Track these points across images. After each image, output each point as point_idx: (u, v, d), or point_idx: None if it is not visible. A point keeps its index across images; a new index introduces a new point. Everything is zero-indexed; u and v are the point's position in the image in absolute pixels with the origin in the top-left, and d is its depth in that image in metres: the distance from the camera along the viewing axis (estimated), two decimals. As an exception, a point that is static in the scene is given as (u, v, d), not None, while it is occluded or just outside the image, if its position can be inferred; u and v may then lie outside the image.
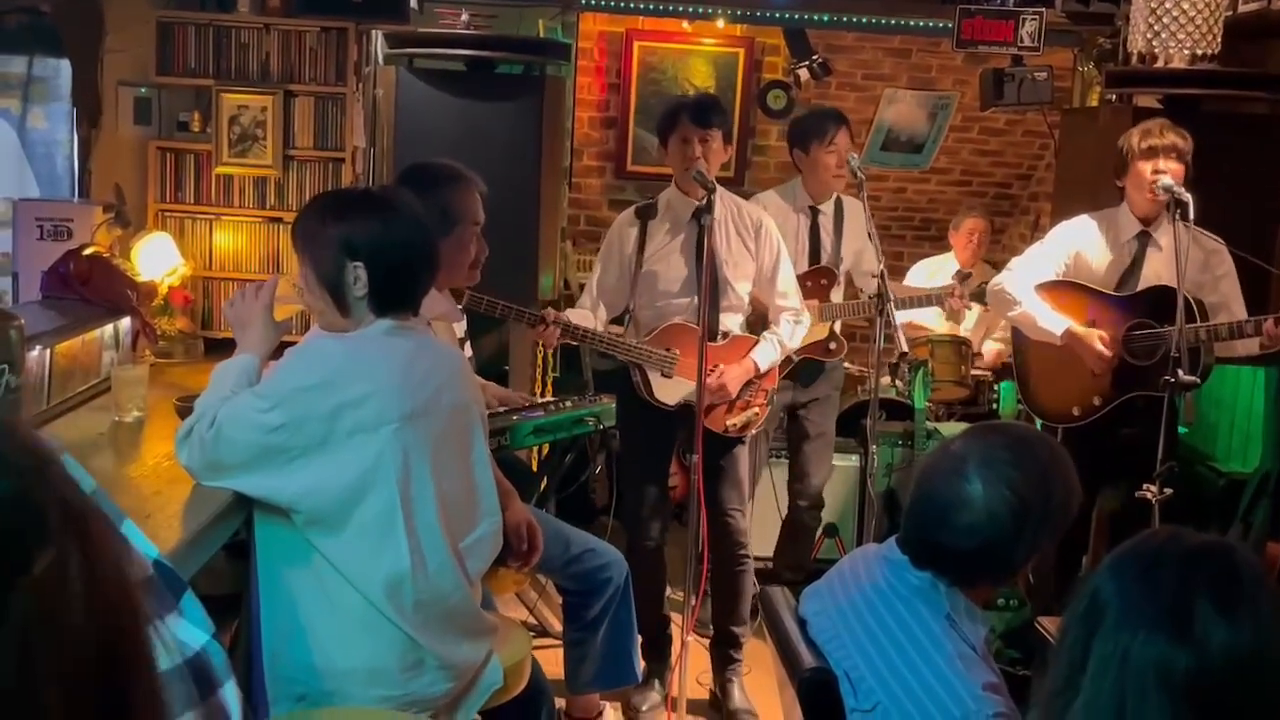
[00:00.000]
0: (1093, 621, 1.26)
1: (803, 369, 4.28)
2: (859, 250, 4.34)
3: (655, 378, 3.71)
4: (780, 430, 4.50)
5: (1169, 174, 3.54)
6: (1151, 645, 1.21)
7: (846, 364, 5.60)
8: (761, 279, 3.79)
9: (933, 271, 5.62)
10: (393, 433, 2.22)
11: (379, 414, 2.21)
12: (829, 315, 4.26)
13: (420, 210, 2.40)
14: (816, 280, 4.23)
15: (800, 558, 4.58)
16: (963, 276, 5.59)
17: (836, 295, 4.30)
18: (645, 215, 3.77)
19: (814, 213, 4.25)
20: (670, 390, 3.71)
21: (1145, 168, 3.58)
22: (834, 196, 4.28)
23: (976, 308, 5.59)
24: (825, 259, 4.27)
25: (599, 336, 3.70)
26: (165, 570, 1.15)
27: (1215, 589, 1.22)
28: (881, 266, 3.69)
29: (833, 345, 4.34)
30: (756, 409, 3.80)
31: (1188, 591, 1.22)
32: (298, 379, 2.23)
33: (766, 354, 3.77)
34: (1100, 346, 3.63)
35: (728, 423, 3.74)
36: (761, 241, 3.76)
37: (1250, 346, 3.57)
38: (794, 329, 3.83)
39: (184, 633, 1.10)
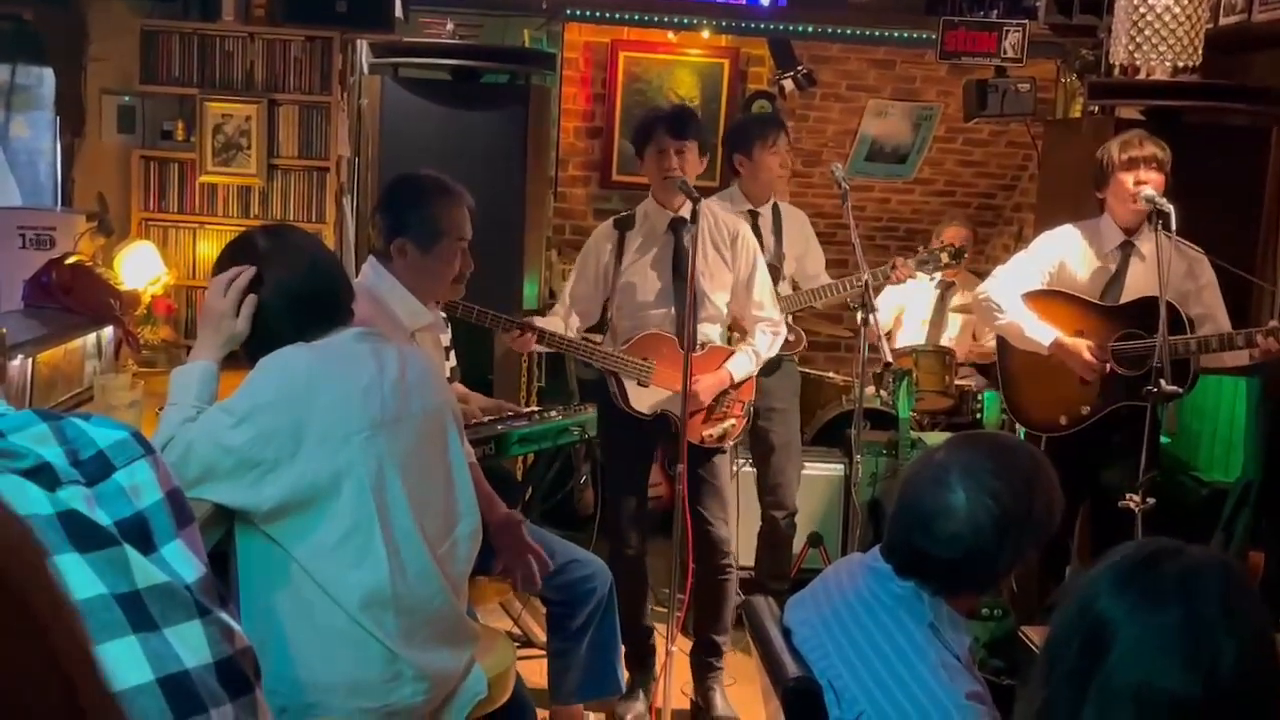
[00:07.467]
0: (1097, 649, 1.25)
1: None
2: (800, 256, 4.40)
3: (631, 386, 3.71)
4: (745, 435, 4.49)
5: (1150, 184, 3.56)
6: (1168, 678, 1.22)
7: (831, 374, 5.63)
8: (737, 288, 3.79)
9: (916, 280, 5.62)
10: (364, 440, 2.20)
11: (347, 422, 2.20)
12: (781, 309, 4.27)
13: (290, 243, 2.39)
14: None
15: (781, 565, 4.58)
16: (945, 285, 5.62)
17: (783, 291, 4.31)
18: (623, 226, 3.78)
19: (753, 215, 4.26)
20: (646, 399, 3.71)
21: (1126, 179, 3.61)
22: (771, 202, 4.33)
23: (960, 317, 5.62)
24: (768, 257, 4.29)
25: (574, 343, 3.70)
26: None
27: (1221, 610, 1.23)
28: (867, 276, 3.71)
29: (790, 338, 4.35)
30: (734, 420, 3.80)
31: (1198, 619, 1.23)
32: (264, 392, 2.21)
33: (741, 365, 3.77)
34: (1089, 356, 3.65)
35: (704, 434, 3.73)
36: (738, 251, 3.77)
37: (1239, 357, 3.58)
38: (770, 340, 3.84)
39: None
